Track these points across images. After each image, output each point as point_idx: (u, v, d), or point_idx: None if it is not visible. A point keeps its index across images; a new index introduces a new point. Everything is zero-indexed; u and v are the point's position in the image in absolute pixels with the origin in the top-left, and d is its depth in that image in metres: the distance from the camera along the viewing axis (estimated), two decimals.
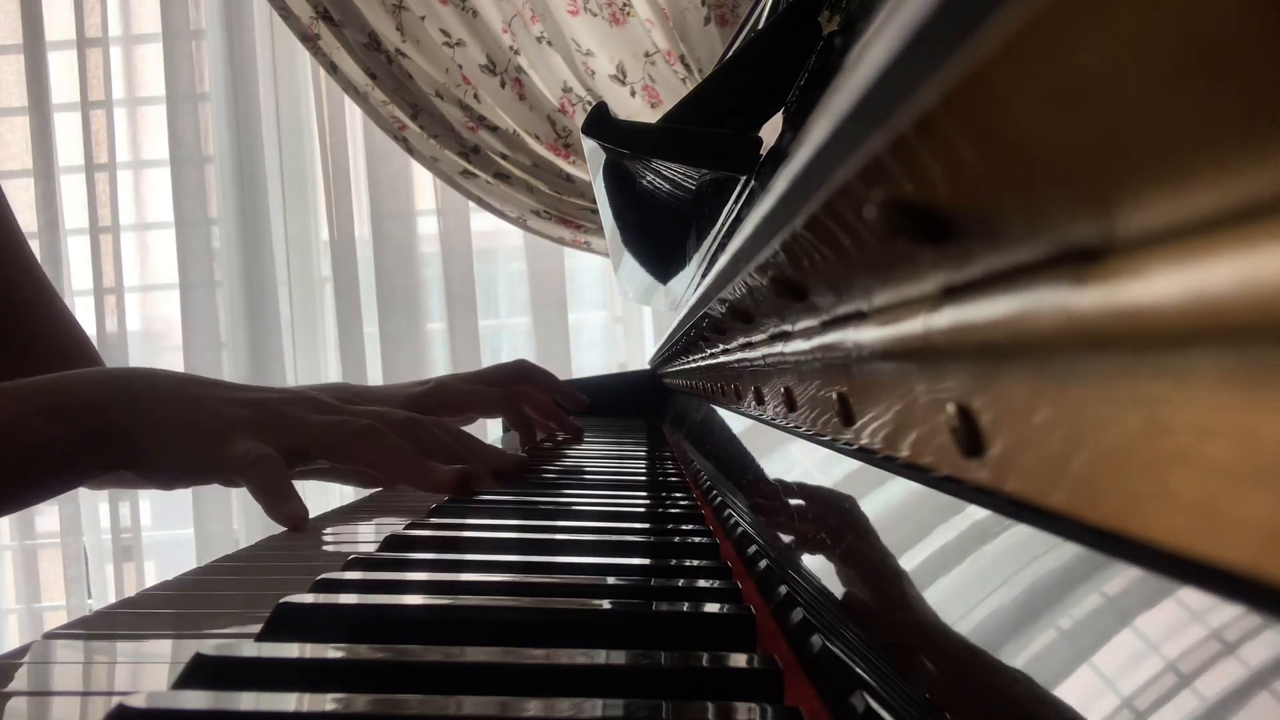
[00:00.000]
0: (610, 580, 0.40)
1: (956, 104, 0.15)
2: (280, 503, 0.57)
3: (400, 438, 0.64)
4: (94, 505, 2.32)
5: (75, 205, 2.29)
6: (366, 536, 0.57)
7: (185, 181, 2.26)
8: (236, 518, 2.26)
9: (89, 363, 0.90)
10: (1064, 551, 0.17)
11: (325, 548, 0.55)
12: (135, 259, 2.37)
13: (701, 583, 0.39)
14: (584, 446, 1.07)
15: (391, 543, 0.47)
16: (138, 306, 2.39)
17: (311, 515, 0.59)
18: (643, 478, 0.78)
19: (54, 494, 0.62)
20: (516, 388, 1.01)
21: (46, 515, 2.39)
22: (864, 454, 0.30)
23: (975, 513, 0.22)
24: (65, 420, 0.58)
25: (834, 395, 0.32)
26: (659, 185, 0.73)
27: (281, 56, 2.29)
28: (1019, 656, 0.18)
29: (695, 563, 0.45)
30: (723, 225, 0.52)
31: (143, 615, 0.40)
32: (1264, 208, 0.11)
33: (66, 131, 2.29)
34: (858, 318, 0.27)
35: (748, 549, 0.44)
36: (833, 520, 0.34)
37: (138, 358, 2.34)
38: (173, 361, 2.31)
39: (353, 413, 0.65)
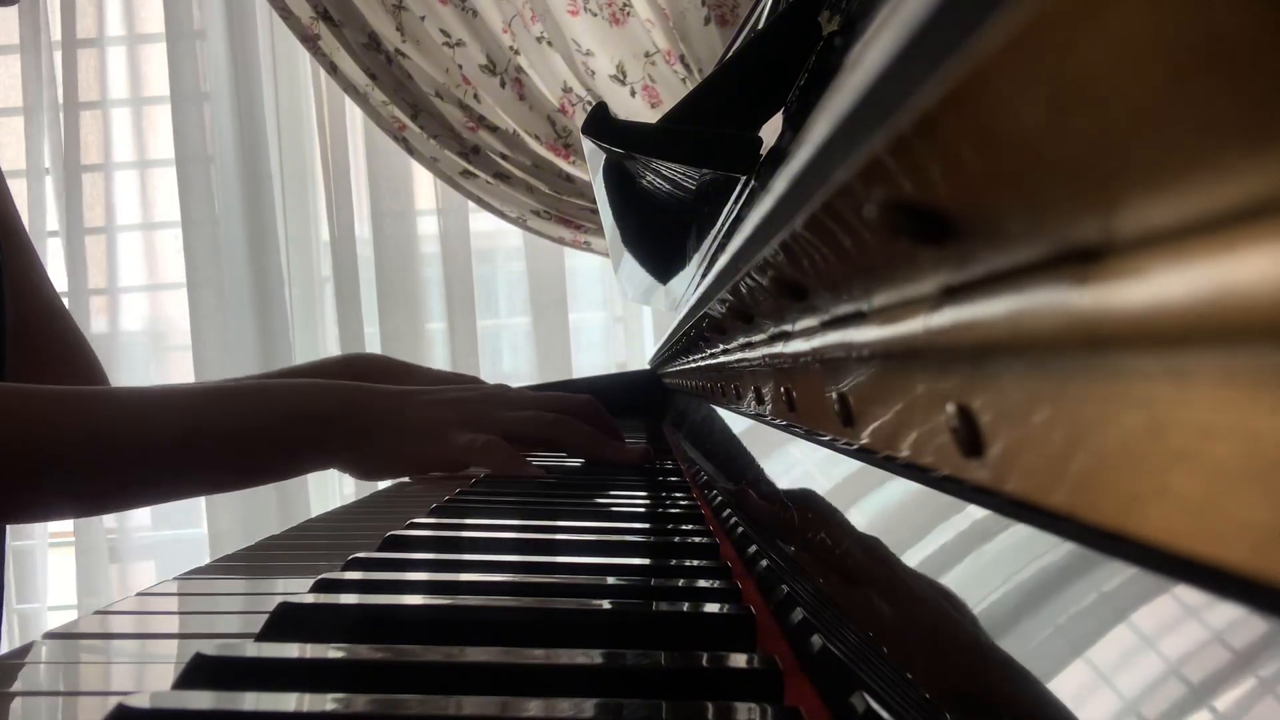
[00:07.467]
0: (610, 580, 0.40)
1: (956, 104, 0.15)
2: (523, 467, 0.72)
3: (585, 424, 0.79)
4: None
5: (74, 205, 2.29)
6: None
7: (190, 181, 2.26)
8: (238, 518, 2.26)
9: (86, 363, 0.94)
10: (1064, 551, 0.17)
11: (325, 547, 0.55)
12: (141, 259, 2.37)
13: (701, 583, 0.39)
14: None
15: (391, 542, 0.47)
16: (144, 306, 2.39)
17: (313, 514, 0.64)
18: (642, 478, 0.78)
19: (287, 478, 0.78)
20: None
21: None
22: (864, 454, 0.30)
23: (975, 513, 0.22)
24: (316, 423, 0.72)
25: (834, 395, 0.32)
26: (659, 185, 0.72)
27: (282, 57, 2.29)
28: (1019, 656, 0.18)
29: (695, 563, 0.45)
30: (723, 225, 0.52)
31: (143, 615, 0.40)
32: (1264, 207, 0.10)
33: (66, 132, 2.29)
34: (858, 318, 0.27)
35: (748, 549, 0.44)
36: (833, 520, 0.34)
37: (143, 357, 2.34)
38: (181, 360, 2.31)
39: (541, 402, 0.80)
